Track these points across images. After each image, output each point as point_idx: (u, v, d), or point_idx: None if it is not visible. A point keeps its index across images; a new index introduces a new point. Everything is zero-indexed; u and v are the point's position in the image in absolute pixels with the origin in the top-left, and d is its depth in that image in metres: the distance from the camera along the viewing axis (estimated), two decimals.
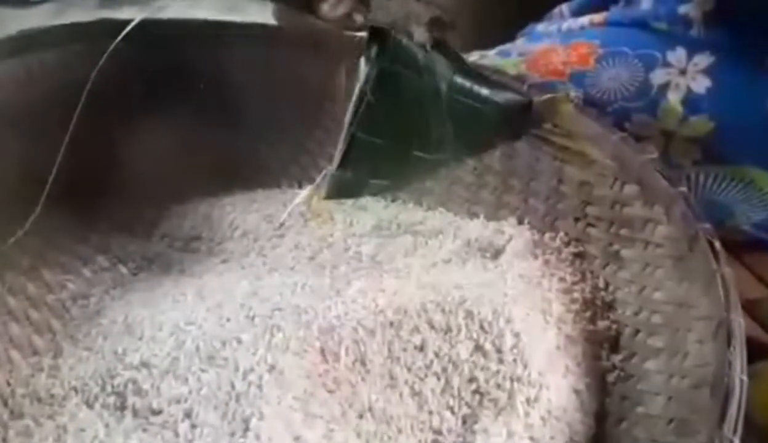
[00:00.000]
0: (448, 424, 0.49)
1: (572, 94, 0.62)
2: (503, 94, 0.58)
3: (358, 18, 0.52)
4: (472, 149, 0.60)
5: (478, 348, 0.52)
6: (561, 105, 0.61)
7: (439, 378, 0.51)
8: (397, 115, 0.53)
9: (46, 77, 0.69)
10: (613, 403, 0.52)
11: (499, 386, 0.50)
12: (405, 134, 0.54)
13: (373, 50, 0.51)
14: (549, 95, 0.61)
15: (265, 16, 0.75)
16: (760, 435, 0.50)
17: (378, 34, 0.51)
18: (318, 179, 0.54)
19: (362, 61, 0.51)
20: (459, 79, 0.55)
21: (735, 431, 0.39)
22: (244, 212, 0.71)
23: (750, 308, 0.62)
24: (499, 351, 0.52)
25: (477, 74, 0.56)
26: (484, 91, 0.57)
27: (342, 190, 0.55)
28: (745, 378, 0.41)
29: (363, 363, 0.52)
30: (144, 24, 0.68)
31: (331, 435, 0.49)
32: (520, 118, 0.60)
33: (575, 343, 0.55)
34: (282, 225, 0.68)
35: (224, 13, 0.79)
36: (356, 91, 0.51)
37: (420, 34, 0.51)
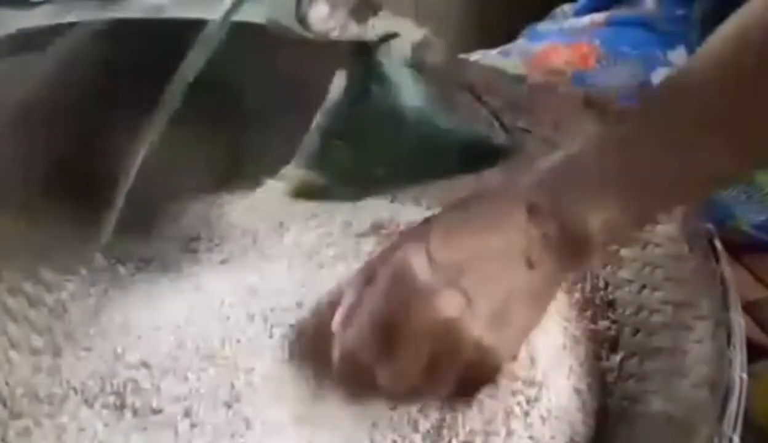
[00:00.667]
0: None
1: None
2: (477, 133, 0.57)
3: (351, 30, 0.52)
4: (429, 177, 0.61)
5: None
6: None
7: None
8: (365, 128, 0.55)
9: (46, 76, 0.69)
10: (613, 403, 0.52)
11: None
12: (368, 147, 0.55)
13: (353, 65, 0.53)
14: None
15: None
16: (759, 435, 0.50)
17: (361, 50, 0.52)
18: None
19: (337, 74, 0.54)
20: (429, 108, 0.55)
21: (735, 428, 0.39)
22: (243, 212, 0.71)
23: (750, 309, 0.63)
24: None
25: (441, 97, 0.56)
26: (449, 123, 0.56)
27: (311, 192, 0.58)
28: (744, 376, 0.41)
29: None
30: (143, 23, 0.68)
31: (333, 434, 0.49)
32: (484, 157, 0.59)
33: (579, 343, 0.55)
34: (281, 225, 0.68)
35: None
36: (326, 100, 0.54)
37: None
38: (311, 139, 0.55)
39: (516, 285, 0.47)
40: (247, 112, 0.72)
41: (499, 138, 0.58)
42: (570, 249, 0.47)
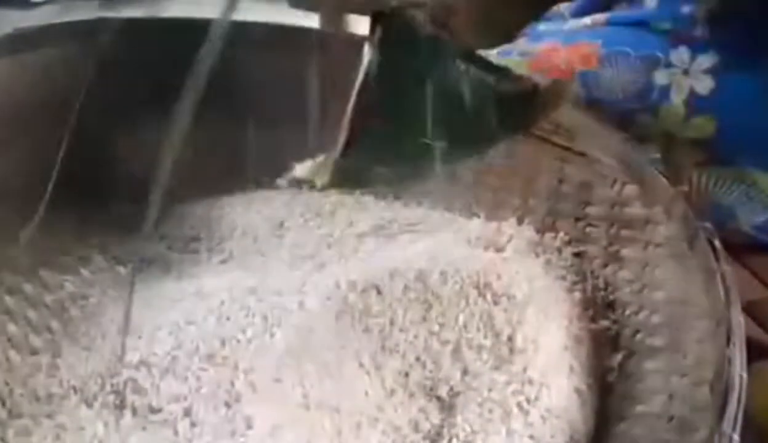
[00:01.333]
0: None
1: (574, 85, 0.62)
2: (508, 82, 0.55)
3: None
4: (477, 139, 0.58)
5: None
6: (566, 90, 0.60)
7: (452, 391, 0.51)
8: (400, 100, 0.52)
9: (45, 76, 0.69)
10: (613, 402, 0.52)
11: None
12: (408, 121, 0.53)
13: (377, 35, 0.50)
14: (552, 80, 0.60)
15: (266, 15, 0.75)
16: (759, 434, 0.50)
17: (381, 19, 0.50)
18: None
19: (366, 47, 0.51)
20: (462, 66, 0.53)
21: (734, 427, 0.39)
22: (243, 212, 0.71)
23: (751, 309, 0.62)
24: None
25: (481, 60, 0.54)
26: (489, 78, 0.54)
27: (346, 178, 0.56)
28: (744, 374, 0.41)
29: (364, 358, 0.53)
30: (145, 23, 0.68)
31: (332, 434, 0.49)
32: (526, 107, 0.57)
33: (580, 342, 0.56)
34: (282, 225, 0.68)
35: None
36: (359, 77, 0.51)
37: (421, 18, 0.51)
38: (346, 123, 0.52)
39: None
40: (251, 113, 0.72)
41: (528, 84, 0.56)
42: None
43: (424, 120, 0.52)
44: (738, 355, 0.43)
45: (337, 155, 0.53)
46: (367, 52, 0.51)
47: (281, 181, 0.62)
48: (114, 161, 0.70)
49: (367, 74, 0.51)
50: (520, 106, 0.56)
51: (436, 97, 0.51)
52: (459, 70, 0.53)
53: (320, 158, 0.57)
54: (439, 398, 0.51)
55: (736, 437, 0.39)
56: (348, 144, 0.52)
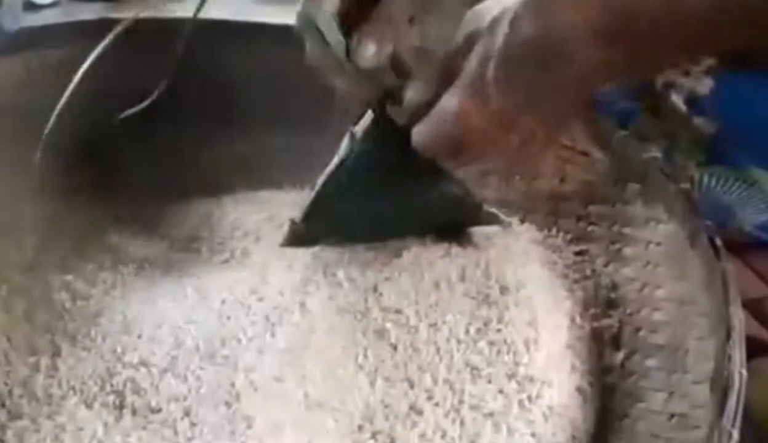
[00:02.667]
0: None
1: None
2: (460, 193, 0.59)
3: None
4: (417, 232, 0.62)
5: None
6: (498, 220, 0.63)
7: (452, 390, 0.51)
8: (366, 187, 0.57)
9: (47, 75, 0.69)
10: (615, 400, 0.52)
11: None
12: (369, 207, 0.58)
13: (363, 128, 0.55)
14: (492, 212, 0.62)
15: (272, 17, 0.75)
16: (758, 431, 0.50)
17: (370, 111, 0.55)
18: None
19: (348, 136, 0.56)
20: (428, 173, 0.56)
21: (734, 423, 0.39)
22: (245, 212, 0.71)
23: (753, 307, 0.63)
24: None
25: (444, 174, 0.58)
26: (448, 186, 0.58)
27: (297, 239, 0.60)
28: (744, 371, 0.41)
29: (366, 357, 0.52)
30: (148, 22, 0.68)
31: (333, 434, 0.49)
32: (470, 218, 0.62)
33: (581, 341, 0.55)
34: (283, 225, 0.68)
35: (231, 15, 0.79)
36: (336, 160, 0.56)
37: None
38: (313, 195, 0.58)
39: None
40: (254, 113, 0.72)
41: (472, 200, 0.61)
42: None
43: (379, 210, 0.58)
44: (738, 352, 0.43)
45: (299, 219, 0.58)
46: (349, 139, 0.56)
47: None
48: (115, 161, 0.69)
49: (344, 159, 0.56)
50: (460, 215, 0.61)
51: (392, 194, 0.57)
52: (424, 175, 0.56)
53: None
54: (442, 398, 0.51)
55: (735, 433, 0.39)
56: (311, 212, 0.58)
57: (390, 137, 0.54)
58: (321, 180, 0.57)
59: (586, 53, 0.43)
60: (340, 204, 0.57)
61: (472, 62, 0.46)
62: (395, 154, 0.54)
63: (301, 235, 0.60)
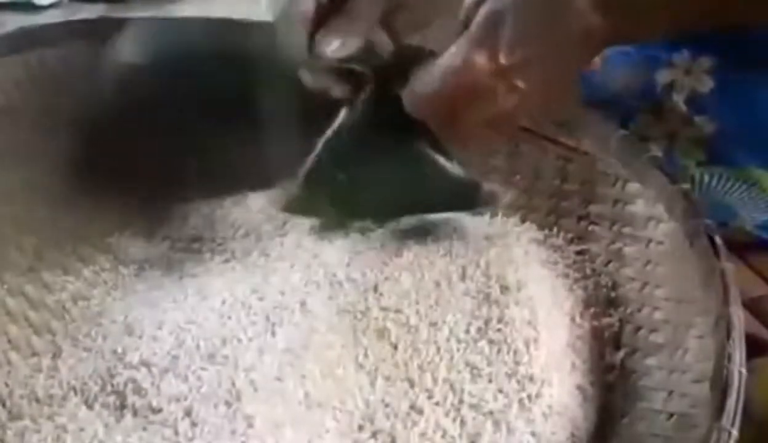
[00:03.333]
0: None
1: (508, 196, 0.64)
2: (459, 169, 0.59)
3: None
4: (415, 210, 0.63)
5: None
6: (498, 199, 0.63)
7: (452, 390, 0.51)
8: (362, 156, 0.57)
9: (46, 75, 0.69)
10: (615, 399, 0.52)
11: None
12: (364, 175, 0.58)
13: (362, 97, 0.56)
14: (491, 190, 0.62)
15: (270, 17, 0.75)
16: (758, 429, 0.50)
17: (367, 82, 0.55)
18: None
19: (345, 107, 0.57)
20: (421, 144, 0.57)
21: (733, 423, 0.39)
22: (246, 212, 0.71)
23: (753, 306, 0.63)
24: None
25: (437, 143, 0.58)
26: (443, 161, 0.58)
27: (297, 207, 0.62)
28: (743, 370, 0.41)
29: (366, 357, 0.53)
30: (147, 23, 0.68)
31: (332, 433, 0.49)
32: (472, 194, 0.61)
33: (582, 340, 0.56)
34: (284, 224, 0.68)
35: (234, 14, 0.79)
36: (334, 125, 0.57)
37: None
38: (311, 160, 0.58)
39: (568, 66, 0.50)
40: (255, 113, 0.72)
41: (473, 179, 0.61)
42: None
43: (376, 180, 0.58)
44: (737, 351, 0.43)
45: (297, 184, 0.60)
46: (347, 109, 0.57)
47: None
48: (116, 162, 0.69)
49: (341, 126, 0.57)
50: (462, 196, 0.61)
51: (393, 164, 0.57)
52: (420, 149, 0.57)
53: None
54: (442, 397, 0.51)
55: (734, 432, 0.39)
56: (308, 177, 0.59)
57: (387, 110, 0.55)
58: (318, 146, 0.58)
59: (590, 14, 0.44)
60: (337, 170, 0.58)
61: (482, 17, 0.47)
62: (393, 126, 0.55)
63: (298, 202, 0.61)
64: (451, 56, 0.49)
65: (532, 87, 0.48)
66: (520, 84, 0.47)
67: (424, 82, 0.51)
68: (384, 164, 0.57)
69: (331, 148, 0.57)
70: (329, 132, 0.57)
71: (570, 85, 0.53)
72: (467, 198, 0.61)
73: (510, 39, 0.46)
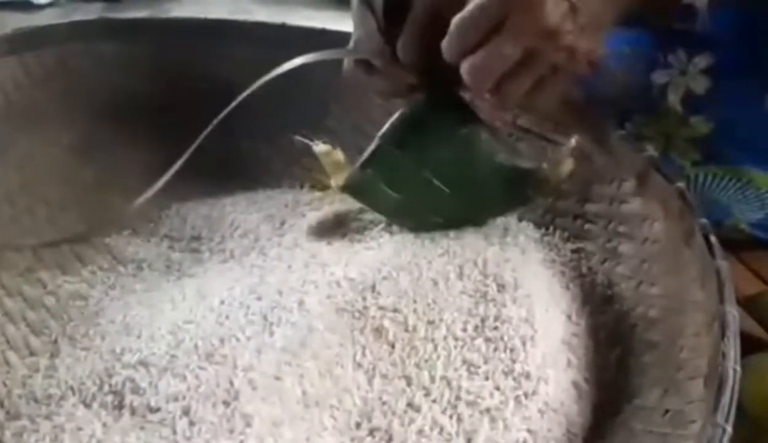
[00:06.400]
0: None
1: (573, 142, 0.63)
2: (516, 156, 0.61)
3: None
4: (478, 198, 0.63)
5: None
6: (563, 163, 0.62)
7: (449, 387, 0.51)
8: (424, 138, 0.58)
9: (44, 75, 0.69)
10: (610, 396, 0.52)
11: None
12: (424, 157, 0.60)
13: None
14: (553, 157, 0.63)
15: (268, 17, 0.76)
16: (752, 425, 0.50)
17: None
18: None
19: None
20: (480, 129, 0.59)
21: (727, 419, 0.39)
22: (244, 212, 0.71)
23: (747, 304, 0.63)
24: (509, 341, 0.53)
25: (495, 131, 0.61)
26: (500, 147, 0.60)
27: (356, 187, 0.63)
28: (738, 368, 0.41)
29: (364, 355, 0.53)
30: (146, 24, 0.69)
31: (330, 432, 0.49)
32: (527, 182, 0.62)
33: (578, 337, 0.56)
34: (282, 224, 0.68)
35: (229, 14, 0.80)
36: (402, 110, 0.58)
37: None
38: (373, 142, 0.59)
39: None
40: (253, 113, 0.73)
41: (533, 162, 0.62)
42: None
43: (439, 166, 0.60)
44: (732, 349, 0.43)
45: (358, 164, 0.60)
46: (409, 100, 0.59)
47: (298, 138, 0.66)
48: (114, 162, 0.70)
49: (406, 112, 0.58)
50: (523, 184, 0.62)
51: (455, 159, 0.59)
52: (480, 138, 0.59)
53: (339, 153, 0.65)
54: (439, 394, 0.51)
55: (729, 428, 0.39)
56: (371, 158, 0.59)
57: (448, 102, 0.58)
58: (383, 130, 0.59)
59: None
60: (398, 152, 0.59)
61: None
62: (453, 115, 0.58)
63: (358, 183, 0.61)
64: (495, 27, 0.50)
65: (578, 41, 0.50)
66: (569, 40, 0.49)
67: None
68: (443, 153, 0.59)
69: (395, 131, 0.58)
70: (393, 117, 0.58)
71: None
72: (524, 185, 0.62)
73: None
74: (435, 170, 0.60)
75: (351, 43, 0.61)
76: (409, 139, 0.58)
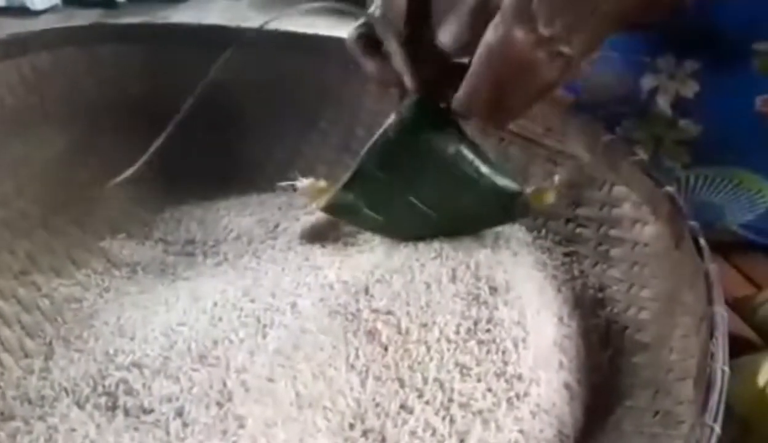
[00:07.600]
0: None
1: (556, 179, 0.65)
2: (500, 177, 0.60)
3: None
4: (462, 217, 0.63)
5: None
6: (545, 194, 0.63)
7: (442, 389, 0.51)
8: (406, 160, 0.58)
9: (39, 80, 0.69)
10: (601, 397, 0.52)
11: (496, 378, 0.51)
12: (407, 179, 0.59)
13: (408, 105, 0.57)
14: (536, 187, 0.63)
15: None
16: (740, 425, 0.50)
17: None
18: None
19: (394, 113, 0.57)
20: (465, 149, 0.58)
21: (716, 419, 0.39)
22: (238, 215, 0.71)
23: (738, 306, 0.63)
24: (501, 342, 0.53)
25: (480, 151, 0.59)
26: (485, 168, 0.59)
27: (338, 209, 0.62)
28: (726, 368, 0.42)
29: (357, 357, 0.53)
30: (143, 28, 0.69)
31: (324, 433, 0.49)
32: (510, 204, 0.62)
33: (570, 339, 0.56)
34: (276, 228, 0.68)
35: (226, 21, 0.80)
36: (382, 129, 0.57)
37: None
38: (355, 164, 0.59)
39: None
40: (246, 116, 0.73)
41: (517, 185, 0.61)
42: None
43: (420, 183, 0.59)
44: (720, 350, 0.43)
45: (340, 186, 0.60)
46: (395, 115, 0.57)
47: (281, 184, 0.66)
48: (108, 166, 0.70)
49: (388, 130, 0.57)
50: (505, 204, 0.62)
51: (437, 168, 0.58)
52: (461, 152, 0.58)
53: (322, 182, 0.64)
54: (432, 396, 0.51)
55: (717, 428, 0.39)
56: (352, 180, 0.59)
57: (434, 118, 0.57)
58: (364, 150, 0.58)
59: None
60: (380, 174, 0.58)
61: None
62: (437, 134, 0.57)
63: (340, 204, 0.61)
64: (490, 35, 0.50)
65: (575, 51, 0.49)
66: (565, 50, 0.48)
67: (466, 83, 0.52)
68: (426, 171, 0.58)
69: (376, 151, 0.58)
70: (375, 137, 0.58)
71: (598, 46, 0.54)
72: (507, 207, 0.62)
73: (547, 7, 0.47)
74: (418, 193, 0.60)
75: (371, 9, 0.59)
76: (392, 160, 0.58)
